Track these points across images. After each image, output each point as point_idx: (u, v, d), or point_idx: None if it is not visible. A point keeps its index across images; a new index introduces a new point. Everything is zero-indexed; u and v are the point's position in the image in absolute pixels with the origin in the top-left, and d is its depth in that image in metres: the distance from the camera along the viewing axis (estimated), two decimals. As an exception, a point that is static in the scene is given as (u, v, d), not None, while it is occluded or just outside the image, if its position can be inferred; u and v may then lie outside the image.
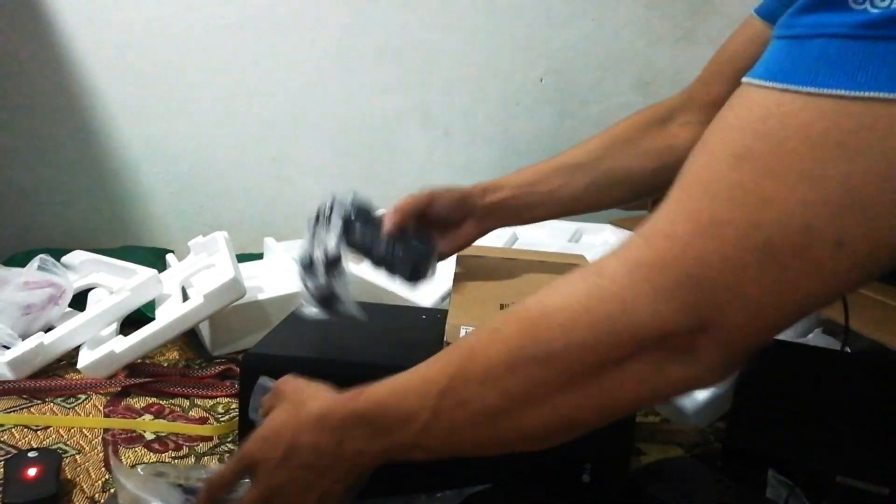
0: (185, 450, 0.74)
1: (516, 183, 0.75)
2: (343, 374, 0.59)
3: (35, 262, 0.99)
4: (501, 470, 0.60)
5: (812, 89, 0.33)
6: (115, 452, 0.73)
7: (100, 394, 0.85)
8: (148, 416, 0.81)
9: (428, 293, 0.96)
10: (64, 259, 1.08)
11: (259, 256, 1.20)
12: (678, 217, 0.37)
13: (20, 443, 0.74)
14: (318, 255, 0.63)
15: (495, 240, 1.03)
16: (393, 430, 0.45)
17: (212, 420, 0.81)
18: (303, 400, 0.50)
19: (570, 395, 0.40)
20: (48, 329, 0.92)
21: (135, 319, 0.95)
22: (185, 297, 0.98)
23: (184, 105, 1.31)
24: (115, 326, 0.93)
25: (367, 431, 0.46)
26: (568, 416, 0.41)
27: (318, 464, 0.48)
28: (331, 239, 0.64)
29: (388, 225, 0.68)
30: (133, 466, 0.70)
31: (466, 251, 0.80)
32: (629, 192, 0.77)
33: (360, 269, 1.04)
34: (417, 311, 0.83)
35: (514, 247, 1.13)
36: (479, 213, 0.74)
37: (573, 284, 0.40)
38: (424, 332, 0.69)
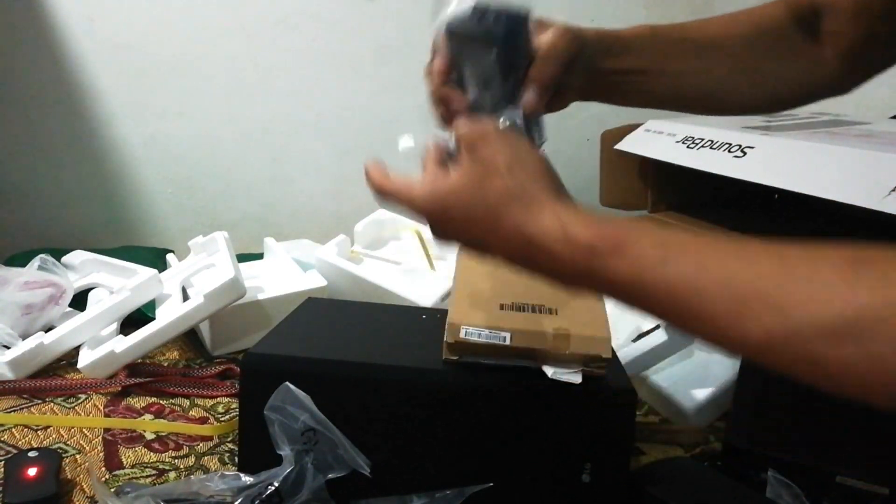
0: (185, 449, 0.74)
1: (648, 50, 0.59)
2: (343, 373, 0.60)
3: (35, 262, 1.00)
4: (501, 470, 0.60)
5: None
6: (107, 464, 0.73)
7: (100, 393, 0.85)
8: (148, 416, 0.81)
9: (428, 293, 0.96)
10: (64, 259, 1.08)
11: (259, 256, 1.20)
12: None
13: (20, 443, 0.74)
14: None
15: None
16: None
17: (212, 420, 0.81)
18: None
19: None
20: (48, 329, 0.92)
21: (135, 319, 0.95)
22: (186, 297, 0.98)
23: (184, 105, 1.31)
24: (115, 326, 0.93)
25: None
26: None
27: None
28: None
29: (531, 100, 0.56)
30: (133, 467, 0.71)
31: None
32: (769, 98, 0.60)
33: (360, 270, 1.05)
34: (417, 311, 0.83)
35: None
36: (591, 76, 0.58)
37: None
38: (424, 332, 0.69)
